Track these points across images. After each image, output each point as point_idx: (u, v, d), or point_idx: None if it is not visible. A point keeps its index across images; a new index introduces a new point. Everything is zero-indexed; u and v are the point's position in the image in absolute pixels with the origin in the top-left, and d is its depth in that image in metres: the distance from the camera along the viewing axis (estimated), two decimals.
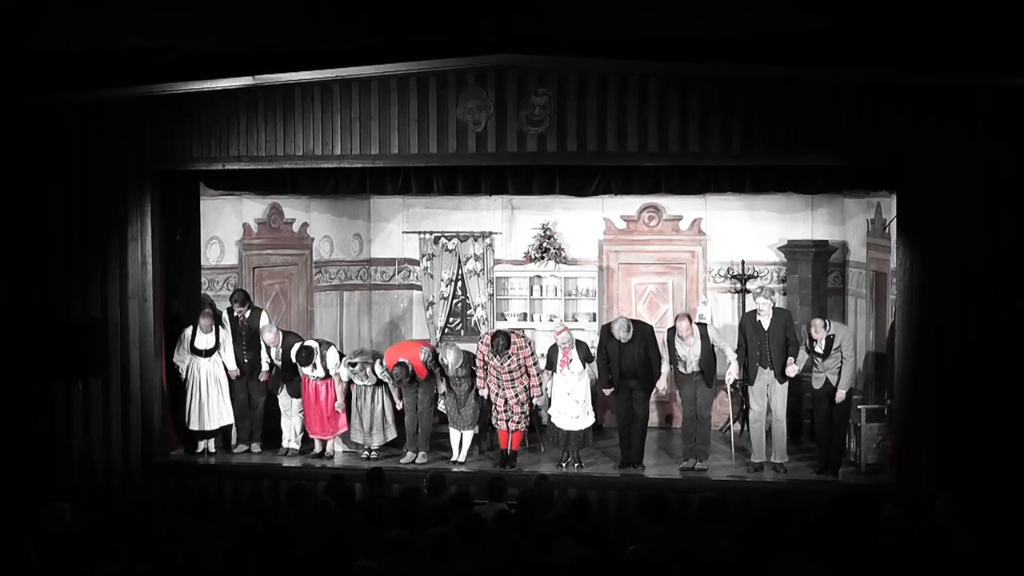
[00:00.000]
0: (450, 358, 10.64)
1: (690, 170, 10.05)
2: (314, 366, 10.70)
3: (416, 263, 13.10)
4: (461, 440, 10.87)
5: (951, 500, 7.74)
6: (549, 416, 10.82)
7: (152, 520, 9.37)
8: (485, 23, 9.23)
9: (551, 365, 10.73)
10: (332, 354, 10.84)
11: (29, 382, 10.28)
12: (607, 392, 10.70)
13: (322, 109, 10.02)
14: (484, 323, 12.74)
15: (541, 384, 10.73)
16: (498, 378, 10.60)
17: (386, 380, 10.72)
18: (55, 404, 10.39)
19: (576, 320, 12.55)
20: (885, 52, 9.35)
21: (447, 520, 7.48)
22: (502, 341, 10.44)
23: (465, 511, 7.70)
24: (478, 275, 12.76)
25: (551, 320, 11.99)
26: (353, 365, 10.69)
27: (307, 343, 10.86)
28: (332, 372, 10.77)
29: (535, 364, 10.69)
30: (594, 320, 12.55)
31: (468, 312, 13.06)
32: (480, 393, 10.72)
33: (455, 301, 12.91)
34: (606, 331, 10.75)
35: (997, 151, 9.28)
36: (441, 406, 10.99)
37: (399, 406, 10.88)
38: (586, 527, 7.51)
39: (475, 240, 12.77)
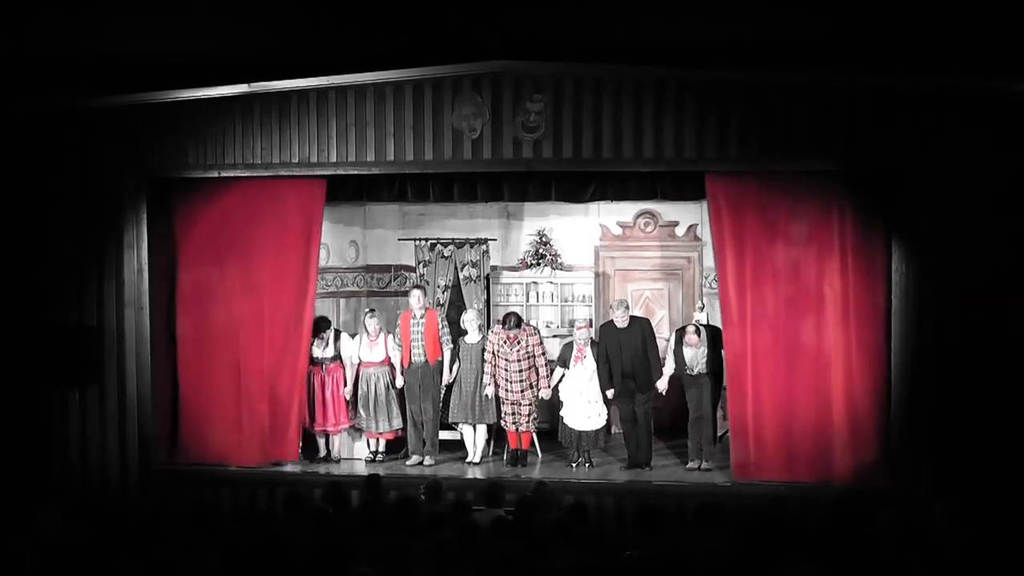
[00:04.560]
0: (469, 314, 11.09)
1: (686, 176, 10.06)
2: (325, 342, 10.92)
3: (412, 270, 13.09)
4: (475, 438, 10.95)
5: (949, 504, 7.74)
6: (561, 417, 10.87)
7: (149, 527, 9.35)
8: (480, 29, 9.23)
9: (564, 363, 10.82)
10: (346, 339, 11.02)
11: (26, 389, 10.26)
12: (609, 394, 10.71)
13: (318, 116, 10.03)
14: (480, 330, 12.73)
15: (549, 377, 10.82)
16: (506, 369, 10.69)
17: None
18: (52, 411, 10.37)
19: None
20: (883, 57, 9.37)
21: (444, 527, 7.48)
22: (513, 319, 10.77)
23: (462, 518, 7.70)
24: (474, 282, 12.75)
25: (572, 323, 12.04)
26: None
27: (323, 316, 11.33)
28: (344, 356, 10.97)
29: (544, 355, 10.84)
30: (591, 326, 12.55)
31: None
32: (486, 391, 10.78)
33: (451, 308, 12.91)
34: (603, 328, 10.84)
35: (996, 156, 9.30)
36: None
37: (399, 383, 10.96)
38: (584, 532, 7.50)
39: (471, 247, 12.77)
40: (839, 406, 9.84)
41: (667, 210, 12.59)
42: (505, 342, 10.75)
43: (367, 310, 11.45)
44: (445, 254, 12.86)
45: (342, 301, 13.14)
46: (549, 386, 10.83)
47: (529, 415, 10.81)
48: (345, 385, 10.97)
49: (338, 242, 13.16)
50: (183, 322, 10.74)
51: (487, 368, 10.81)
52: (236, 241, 10.60)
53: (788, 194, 9.91)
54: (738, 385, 10.05)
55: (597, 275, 12.86)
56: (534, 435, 11.06)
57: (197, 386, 10.73)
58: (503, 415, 10.87)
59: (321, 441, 11.14)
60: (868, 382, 9.83)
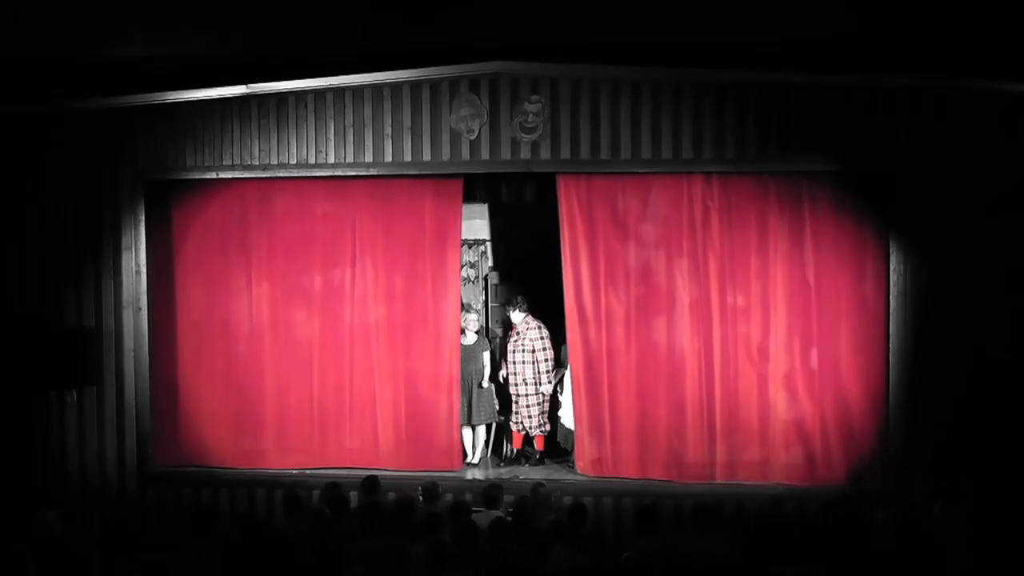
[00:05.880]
0: (471, 315, 11.01)
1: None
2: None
3: None
4: (475, 439, 10.99)
5: (948, 506, 7.75)
6: (559, 417, 10.89)
7: (147, 529, 9.36)
8: (478, 30, 9.23)
9: (563, 364, 10.85)
10: None
11: (23, 391, 10.26)
12: None
13: (315, 117, 10.03)
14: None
15: (551, 372, 10.86)
16: (512, 362, 10.83)
17: None
18: (49, 413, 10.36)
19: None
20: (880, 57, 9.38)
21: (442, 528, 7.49)
22: (517, 302, 10.90)
23: (461, 519, 7.71)
24: (472, 282, 12.75)
25: None
26: None
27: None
28: None
29: (545, 350, 10.84)
30: None
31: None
32: (500, 372, 10.91)
33: None
34: None
35: (992, 155, 9.33)
36: None
37: None
38: (582, 534, 7.52)
39: (469, 247, 12.76)
40: (704, 404, 9.99)
41: None
42: (507, 334, 10.81)
43: None
44: None
45: None
46: (550, 381, 10.84)
47: (530, 416, 10.80)
48: None
49: None
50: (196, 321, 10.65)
51: (506, 361, 10.95)
52: (326, 242, 10.47)
53: (641, 193, 10.07)
54: (594, 383, 10.15)
55: None
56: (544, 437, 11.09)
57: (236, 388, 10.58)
58: (513, 414, 10.94)
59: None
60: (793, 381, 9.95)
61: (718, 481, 9.92)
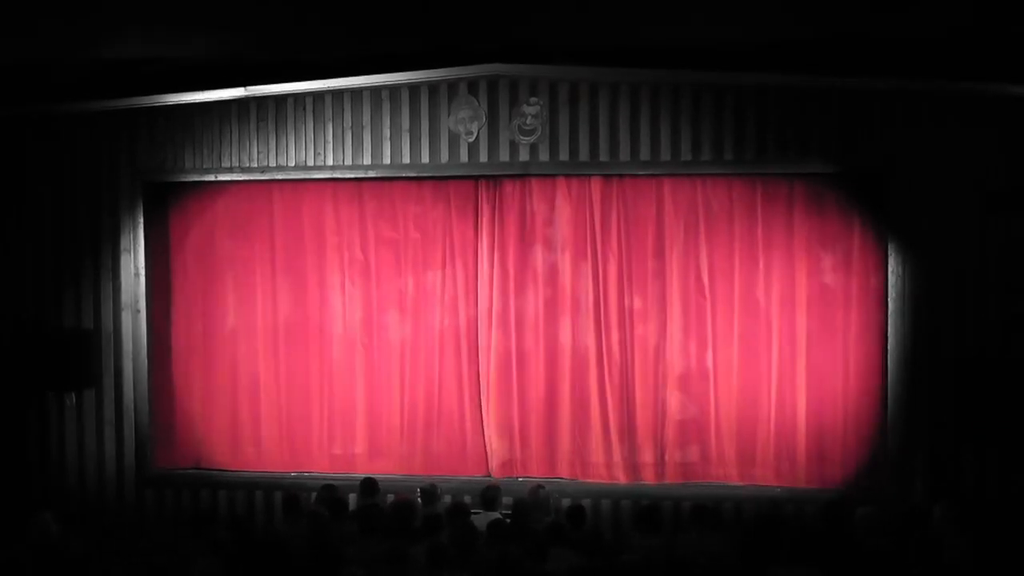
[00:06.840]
0: None
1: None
2: None
3: None
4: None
5: (948, 508, 7.76)
6: None
7: (145, 531, 9.36)
8: (477, 32, 9.24)
9: None
10: None
11: (22, 392, 10.26)
12: None
13: (314, 120, 10.04)
14: None
15: None
16: None
17: None
18: (48, 415, 10.37)
19: None
20: (877, 59, 9.39)
21: (440, 530, 7.49)
22: None
23: (459, 521, 7.71)
24: None
25: None
26: None
27: None
28: None
29: None
30: None
31: None
32: None
33: None
34: None
35: (989, 157, 9.33)
36: None
37: None
38: (581, 535, 7.52)
39: None
40: (607, 405, 10.04)
41: None
42: None
43: None
44: None
45: None
46: None
47: None
48: None
49: None
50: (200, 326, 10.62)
51: None
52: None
53: (547, 196, 10.12)
54: (504, 385, 10.18)
55: None
56: None
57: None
58: None
59: None
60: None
61: (622, 481, 9.99)
